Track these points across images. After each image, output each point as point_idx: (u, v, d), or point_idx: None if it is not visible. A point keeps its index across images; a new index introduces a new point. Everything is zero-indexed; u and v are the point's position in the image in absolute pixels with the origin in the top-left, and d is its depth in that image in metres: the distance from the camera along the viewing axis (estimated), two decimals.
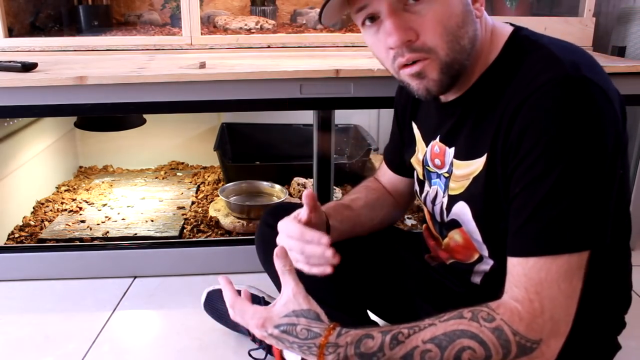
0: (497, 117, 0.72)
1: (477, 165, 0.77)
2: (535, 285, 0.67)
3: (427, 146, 0.89)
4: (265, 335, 0.74)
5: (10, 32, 1.62)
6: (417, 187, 0.96)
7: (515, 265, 0.69)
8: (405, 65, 0.73)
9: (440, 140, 0.84)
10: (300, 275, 0.89)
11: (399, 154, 1.03)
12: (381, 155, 2.19)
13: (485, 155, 0.75)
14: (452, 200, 0.83)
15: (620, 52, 1.58)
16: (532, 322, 0.66)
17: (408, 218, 1.74)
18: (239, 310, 0.77)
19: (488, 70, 0.76)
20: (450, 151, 0.83)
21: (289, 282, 0.75)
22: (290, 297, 0.73)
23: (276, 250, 0.77)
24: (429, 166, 0.89)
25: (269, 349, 1.08)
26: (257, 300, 1.14)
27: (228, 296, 0.79)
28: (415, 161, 0.93)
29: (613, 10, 1.78)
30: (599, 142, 0.65)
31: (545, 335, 0.66)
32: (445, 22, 0.70)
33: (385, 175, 1.09)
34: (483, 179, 0.75)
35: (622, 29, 1.64)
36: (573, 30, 1.61)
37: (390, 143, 1.07)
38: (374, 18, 0.74)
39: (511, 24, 0.79)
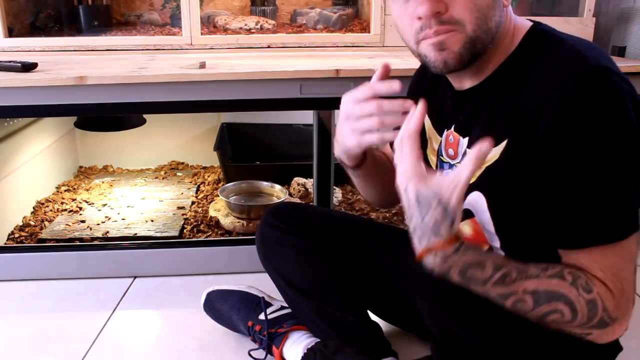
0: (518, 109, 0.73)
1: (493, 153, 0.77)
2: (610, 268, 0.70)
3: (440, 135, 0.89)
4: (413, 196, 0.69)
5: (10, 32, 1.62)
6: None
7: (582, 256, 0.71)
8: (429, 37, 0.74)
9: (455, 130, 0.85)
10: (300, 274, 0.89)
11: None
12: None
13: (503, 145, 0.75)
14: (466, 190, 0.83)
15: (620, 52, 1.58)
16: (619, 302, 0.70)
17: None
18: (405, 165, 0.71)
19: (507, 61, 0.77)
20: (464, 141, 0.83)
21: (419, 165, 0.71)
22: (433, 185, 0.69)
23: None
24: (442, 156, 0.89)
25: (269, 349, 1.08)
26: (257, 300, 1.14)
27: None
28: (431, 151, 0.93)
29: (613, 10, 1.78)
30: (631, 127, 0.68)
31: (621, 314, 0.70)
32: (475, 1, 0.72)
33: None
34: (501, 168, 0.76)
35: (622, 29, 1.64)
36: (573, 30, 1.61)
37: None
38: None
39: (530, 20, 0.80)
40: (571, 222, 0.71)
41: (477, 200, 0.81)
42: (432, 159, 0.92)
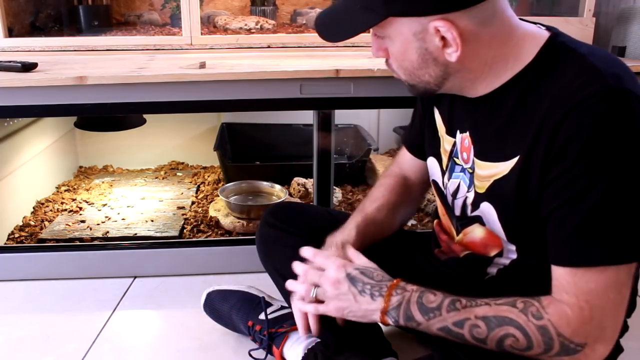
0: (534, 125, 0.72)
1: (502, 168, 0.77)
2: (585, 294, 0.69)
3: (451, 136, 0.89)
4: (341, 277, 0.82)
5: (10, 32, 1.62)
6: (438, 178, 0.95)
7: (563, 274, 0.71)
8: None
9: (470, 135, 0.85)
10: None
11: (420, 137, 1.02)
12: (381, 155, 2.20)
13: (515, 160, 0.75)
14: (479, 198, 0.83)
15: (620, 52, 1.58)
16: (579, 328, 0.69)
17: None
18: (322, 255, 0.88)
19: (521, 74, 0.75)
20: (473, 148, 0.83)
21: (362, 258, 0.87)
22: (365, 264, 0.86)
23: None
24: (457, 158, 0.88)
25: (269, 349, 1.08)
26: (257, 300, 1.14)
27: (308, 252, 0.90)
28: (443, 151, 0.93)
29: (613, 10, 1.78)
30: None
31: (591, 340, 0.69)
32: (400, 61, 0.79)
33: (405, 160, 1.09)
34: (513, 184, 0.75)
35: (622, 29, 1.64)
36: (573, 30, 1.61)
37: (410, 127, 1.07)
38: None
39: (547, 28, 0.78)
40: (564, 239, 0.70)
41: (488, 211, 0.81)
42: (444, 160, 0.92)
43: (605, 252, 0.68)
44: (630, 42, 1.60)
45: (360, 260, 0.87)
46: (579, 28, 1.65)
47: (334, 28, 0.80)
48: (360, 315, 0.82)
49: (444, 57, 0.74)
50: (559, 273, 0.72)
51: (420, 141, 1.02)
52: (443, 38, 0.72)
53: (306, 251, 0.91)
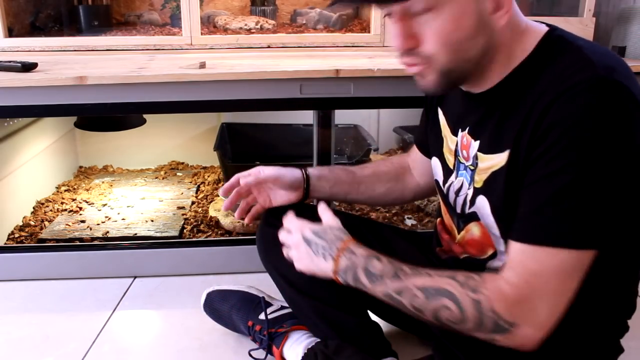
0: (522, 115, 0.72)
1: (498, 160, 0.77)
2: (528, 274, 0.69)
3: (455, 135, 0.89)
4: (298, 240, 0.88)
5: (10, 32, 1.62)
6: (440, 177, 0.95)
7: (515, 250, 0.71)
8: (408, 64, 0.77)
9: (469, 133, 0.85)
10: (301, 274, 0.90)
11: (426, 137, 1.03)
12: (381, 155, 2.20)
13: (507, 151, 0.75)
14: (475, 193, 0.83)
15: (620, 52, 1.58)
16: (512, 307, 0.69)
17: (408, 218, 1.74)
18: (287, 219, 0.93)
19: (518, 68, 0.76)
20: (475, 144, 0.83)
21: (327, 215, 0.92)
22: (326, 220, 0.91)
23: (320, 205, 0.95)
24: (459, 156, 0.89)
25: (269, 349, 1.08)
26: (257, 300, 1.14)
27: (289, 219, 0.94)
28: (447, 150, 0.93)
29: (613, 10, 1.78)
30: (622, 148, 0.66)
31: (522, 321, 0.69)
32: (449, 35, 0.71)
33: (412, 154, 1.12)
34: (504, 174, 0.76)
35: (622, 29, 1.64)
36: (573, 30, 1.60)
37: (419, 126, 1.08)
38: (391, 14, 0.76)
39: (546, 24, 0.79)
40: (526, 215, 0.71)
41: (482, 204, 0.81)
42: (450, 159, 0.92)
43: (558, 234, 0.67)
44: (630, 42, 1.60)
45: (325, 217, 0.91)
46: (579, 28, 1.65)
47: None
48: (321, 275, 0.86)
49: (492, 24, 0.73)
50: (512, 249, 0.72)
51: (427, 140, 1.04)
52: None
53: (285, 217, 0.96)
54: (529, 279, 0.69)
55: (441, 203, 0.97)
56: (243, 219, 1.11)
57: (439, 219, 1.00)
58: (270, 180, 1.08)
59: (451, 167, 0.92)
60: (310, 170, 1.10)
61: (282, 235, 0.94)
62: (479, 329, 0.72)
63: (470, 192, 0.85)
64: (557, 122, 0.67)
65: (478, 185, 0.82)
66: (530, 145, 0.71)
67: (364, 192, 1.11)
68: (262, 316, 1.10)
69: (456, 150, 0.90)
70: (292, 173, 1.09)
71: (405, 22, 0.72)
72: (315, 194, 1.10)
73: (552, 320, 0.69)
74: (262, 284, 1.19)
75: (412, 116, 2.10)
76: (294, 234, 0.90)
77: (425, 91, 0.79)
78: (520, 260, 0.70)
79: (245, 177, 1.08)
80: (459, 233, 0.91)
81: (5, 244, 1.56)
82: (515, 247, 0.72)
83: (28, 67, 1.28)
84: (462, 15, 0.70)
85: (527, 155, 0.72)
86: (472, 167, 0.84)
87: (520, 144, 0.73)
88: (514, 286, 0.70)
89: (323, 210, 0.94)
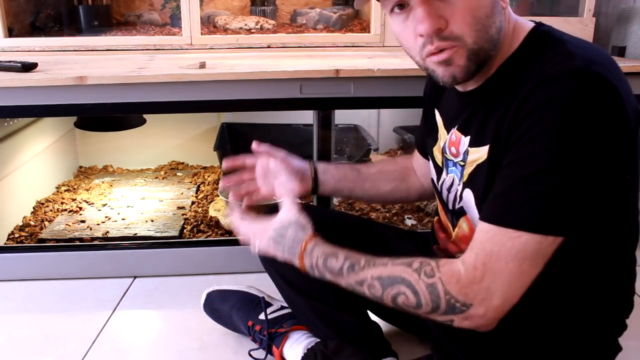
0: (502, 107, 0.73)
1: (481, 153, 0.78)
2: (485, 256, 0.69)
3: (447, 134, 0.90)
4: (267, 241, 0.88)
5: (10, 32, 1.62)
6: (434, 176, 0.96)
7: (479, 231, 0.72)
8: (433, 53, 0.74)
9: (458, 129, 0.85)
10: (300, 274, 0.90)
11: (425, 139, 1.04)
12: (381, 155, 2.20)
13: (489, 144, 0.75)
14: (463, 187, 0.84)
15: (620, 52, 1.58)
16: (466, 287, 0.70)
17: (408, 218, 1.74)
18: (246, 227, 0.93)
19: (505, 63, 0.77)
20: (466, 140, 0.83)
21: (286, 201, 0.91)
22: (285, 210, 0.89)
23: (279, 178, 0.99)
24: (446, 154, 0.89)
25: (269, 349, 1.08)
26: (257, 300, 1.14)
27: (236, 222, 0.95)
28: (437, 149, 0.94)
29: (613, 10, 1.78)
30: (595, 138, 0.65)
31: (476, 302, 0.70)
32: (474, 12, 0.72)
33: (415, 156, 1.12)
34: (486, 167, 0.76)
35: (622, 29, 1.64)
36: (573, 30, 1.62)
37: (419, 129, 1.09)
38: (402, 5, 0.75)
39: (534, 22, 0.79)
40: (494, 197, 0.71)
41: (468, 198, 0.82)
42: (438, 157, 0.93)
43: (522, 217, 0.67)
44: (630, 42, 1.60)
45: (287, 215, 0.89)
46: (579, 28, 1.65)
47: None
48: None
49: (500, 4, 0.75)
50: (477, 229, 0.72)
51: (425, 142, 1.04)
52: None
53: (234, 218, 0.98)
54: (485, 259, 0.69)
55: (437, 202, 0.98)
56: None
57: (436, 218, 1.00)
58: (280, 156, 1.05)
59: (440, 164, 0.92)
60: (317, 163, 1.10)
61: (249, 243, 0.94)
62: (435, 312, 0.72)
63: (460, 188, 0.85)
64: (534, 109, 0.68)
65: (465, 179, 0.83)
66: (507, 134, 0.71)
67: (369, 189, 1.11)
68: (262, 316, 1.10)
69: (443, 147, 0.90)
70: (300, 160, 1.08)
71: (430, 2, 0.72)
72: (321, 187, 1.08)
73: (508, 303, 0.69)
74: (262, 284, 1.19)
75: (412, 116, 2.11)
76: (259, 240, 0.90)
77: (448, 82, 0.77)
78: (481, 241, 0.70)
79: (260, 144, 1.08)
80: (453, 230, 0.91)
81: (5, 244, 1.56)
82: (479, 227, 0.72)
83: (28, 67, 1.28)
84: None
85: (505, 143, 0.72)
86: (462, 163, 0.85)
87: (500, 135, 0.73)
88: (470, 267, 0.70)
89: (286, 206, 0.91)
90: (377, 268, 0.77)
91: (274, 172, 1.05)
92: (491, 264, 0.68)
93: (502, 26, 0.75)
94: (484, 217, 0.71)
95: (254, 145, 1.06)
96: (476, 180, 0.79)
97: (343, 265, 0.80)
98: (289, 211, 0.89)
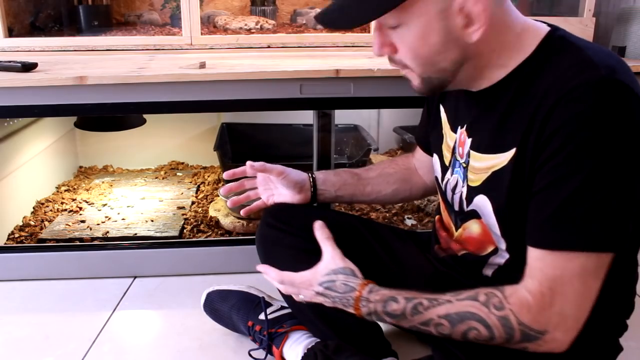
0: (528, 115, 0.73)
1: (500, 159, 0.77)
2: (549, 281, 0.70)
3: (455, 132, 0.90)
4: (313, 294, 0.86)
5: (10, 32, 1.62)
6: (439, 174, 0.96)
7: (534, 257, 0.72)
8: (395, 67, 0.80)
9: (466, 130, 0.85)
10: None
11: (427, 134, 1.04)
12: (381, 155, 2.20)
13: (512, 151, 0.75)
14: (472, 191, 0.83)
15: (620, 52, 1.58)
16: (538, 315, 0.70)
17: (408, 218, 1.74)
18: (288, 281, 0.89)
19: (519, 68, 0.76)
20: (469, 141, 0.83)
21: (327, 247, 0.88)
22: (329, 259, 0.86)
23: (315, 224, 0.91)
24: (456, 154, 0.89)
25: (269, 349, 1.08)
26: (257, 300, 1.14)
27: (273, 275, 0.91)
28: (446, 147, 0.93)
29: (613, 10, 1.78)
30: (629, 147, 0.66)
31: (551, 327, 0.70)
32: (416, 51, 0.75)
33: (417, 154, 1.13)
34: (509, 174, 0.76)
35: (622, 29, 1.64)
36: (573, 30, 1.60)
37: (421, 124, 1.09)
38: None
39: (548, 24, 0.79)
40: (541, 222, 0.71)
41: (483, 204, 0.81)
42: (447, 156, 0.93)
43: (576, 238, 0.68)
44: (630, 42, 1.60)
45: (326, 250, 0.88)
46: (579, 28, 1.65)
47: (350, 11, 0.74)
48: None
49: (463, 39, 0.73)
50: (531, 257, 0.73)
51: (428, 137, 1.04)
52: (467, 16, 0.71)
53: (269, 271, 0.93)
54: (551, 285, 0.70)
55: (440, 200, 0.98)
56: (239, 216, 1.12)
57: (437, 217, 1.00)
58: (276, 172, 1.06)
59: (447, 164, 0.92)
60: (316, 174, 1.11)
61: (291, 294, 0.91)
62: (509, 342, 0.73)
63: (465, 190, 0.85)
64: (561, 126, 0.68)
65: (474, 184, 0.82)
66: (536, 148, 0.71)
67: (370, 193, 1.11)
68: (262, 316, 1.10)
69: (454, 147, 0.90)
70: (298, 172, 1.09)
71: (382, 32, 0.77)
72: (321, 197, 1.09)
73: (581, 321, 0.71)
74: (262, 284, 1.19)
75: (412, 116, 2.10)
76: (303, 292, 0.88)
77: (419, 93, 0.81)
78: (540, 267, 0.71)
79: (253, 164, 1.07)
80: (456, 230, 0.91)
81: (5, 244, 1.56)
82: (533, 254, 0.72)
83: (28, 67, 1.28)
84: (429, 32, 0.73)
85: (534, 158, 0.72)
86: (464, 165, 0.85)
87: (527, 146, 0.73)
88: (537, 294, 0.70)
89: (323, 239, 0.90)
90: (442, 306, 0.76)
91: (274, 181, 1.06)
92: (558, 288, 0.69)
93: (469, 54, 0.75)
94: (536, 244, 0.72)
95: (248, 166, 1.05)
96: (493, 187, 0.79)
97: (405, 308, 0.78)
98: (332, 259, 0.87)
